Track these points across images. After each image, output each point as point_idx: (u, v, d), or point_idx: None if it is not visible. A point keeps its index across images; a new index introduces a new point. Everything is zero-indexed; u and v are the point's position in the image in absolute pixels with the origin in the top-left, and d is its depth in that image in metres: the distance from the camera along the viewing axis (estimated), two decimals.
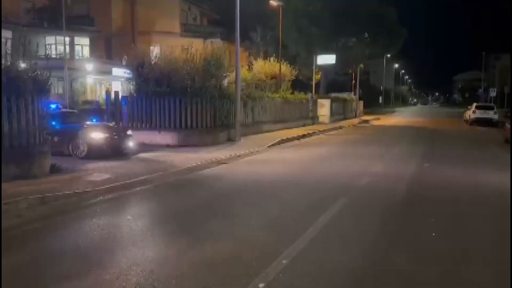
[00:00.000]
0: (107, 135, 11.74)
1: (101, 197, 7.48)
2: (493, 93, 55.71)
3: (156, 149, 13.34)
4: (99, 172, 9.37)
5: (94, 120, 14.69)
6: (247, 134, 17.79)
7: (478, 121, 29.44)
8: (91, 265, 4.43)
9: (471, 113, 30.65)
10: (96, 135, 11.54)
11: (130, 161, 11.15)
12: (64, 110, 12.73)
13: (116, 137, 12.02)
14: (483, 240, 5.45)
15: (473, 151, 14.91)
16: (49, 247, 5.07)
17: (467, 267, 4.54)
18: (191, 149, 13.66)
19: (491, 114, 29.91)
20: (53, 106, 12.25)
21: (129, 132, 12.75)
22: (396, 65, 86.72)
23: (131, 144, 12.37)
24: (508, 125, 17.70)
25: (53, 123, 11.33)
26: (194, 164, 10.77)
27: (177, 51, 16.51)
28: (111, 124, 14.67)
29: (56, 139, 11.05)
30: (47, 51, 33.03)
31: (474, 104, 32.54)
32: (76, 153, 11.28)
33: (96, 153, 11.23)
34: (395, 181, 9.19)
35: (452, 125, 31.35)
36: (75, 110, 13.46)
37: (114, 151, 11.70)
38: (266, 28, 37.63)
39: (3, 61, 8.16)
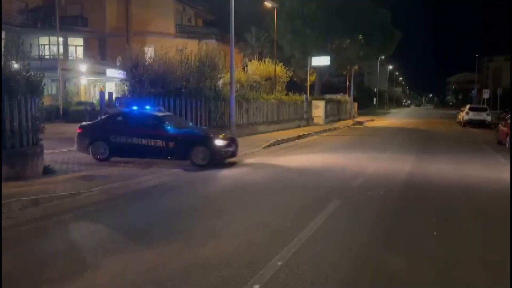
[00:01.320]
0: (226, 142, 11.44)
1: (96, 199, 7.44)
2: (486, 94, 56.12)
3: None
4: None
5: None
6: (242, 135, 17.76)
7: (471, 123, 29.68)
8: (81, 268, 4.39)
9: (465, 114, 30.88)
10: (219, 142, 11.22)
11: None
12: (166, 113, 12.58)
13: (232, 143, 11.74)
14: (478, 244, 5.48)
15: (465, 151, 14.99)
16: (40, 249, 5.02)
17: (462, 269, 4.56)
18: None
19: (484, 116, 30.16)
20: (147, 107, 12.22)
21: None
22: (390, 67, 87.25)
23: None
24: (502, 127, 17.79)
25: (168, 127, 11.15)
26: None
27: (172, 52, 16.50)
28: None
29: (171, 144, 10.91)
30: (40, 51, 32.82)
31: (468, 106, 32.80)
32: (195, 160, 10.85)
33: (217, 161, 11.03)
34: (388, 181, 9.21)
35: (445, 126, 31.55)
36: (169, 113, 13.26)
37: (228, 158, 11.54)
38: (261, 29, 37.67)
39: None
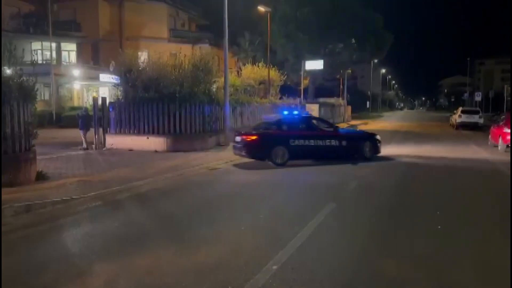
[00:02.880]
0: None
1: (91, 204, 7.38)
2: (478, 97, 56.63)
3: None
4: None
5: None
6: None
7: (464, 125, 29.91)
8: (73, 275, 4.35)
9: (457, 117, 31.11)
10: (378, 137, 13.36)
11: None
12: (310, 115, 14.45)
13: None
14: (472, 248, 5.50)
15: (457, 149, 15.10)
16: (33, 256, 4.97)
17: (454, 271, 4.57)
18: (180, 154, 13.59)
19: (477, 118, 30.43)
20: (285, 112, 13.66)
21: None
22: (383, 71, 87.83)
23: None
24: (494, 129, 17.91)
25: (339, 129, 13.06)
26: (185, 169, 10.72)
27: (165, 56, 16.49)
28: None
29: (344, 143, 12.35)
30: (33, 57, 32.65)
31: (460, 109, 33.05)
32: (365, 154, 12.62)
33: (378, 153, 13.05)
34: (382, 185, 9.25)
35: (438, 128, 31.75)
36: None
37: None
38: (254, 33, 37.78)
39: None
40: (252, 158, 12.06)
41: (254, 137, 11.87)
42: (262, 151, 11.74)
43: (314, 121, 13.49)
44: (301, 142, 11.86)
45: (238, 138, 12.17)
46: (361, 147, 12.66)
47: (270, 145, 11.69)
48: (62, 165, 11.10)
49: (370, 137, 13.26)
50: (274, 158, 11.62)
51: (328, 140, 12.25)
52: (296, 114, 13.49)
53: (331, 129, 12.90)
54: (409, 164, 12.45)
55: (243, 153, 12.00)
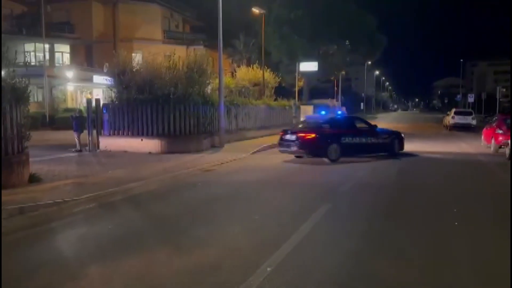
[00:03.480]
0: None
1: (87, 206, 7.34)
2: (471, 99, 57.11)
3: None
4: None
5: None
6: (230, 140, 17.76)
7: (457, 126, 30.15)
8: (66, 278, 4.31)
9: (450, 118, 31.35)
10: (403, 134, 15.26)
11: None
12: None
13: None
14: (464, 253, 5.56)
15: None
16: (26, 259, 4.93)
17: (446, 271, 4.60)
18: (174, 156, 13.56)
19: (470, 120, 30.71)
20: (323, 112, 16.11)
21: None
22: (377, 72, 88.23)
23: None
24: (486, 130, 18.06)
25: (377, 128, 14.51)
26: (177, 172, 10.69)
27: (160, 58, 16.45)
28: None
29: (385, 140, 14.14)
30: (26, 58, 32.45)
31: (453, 110, 33.31)
32: (396, 150, 14.24)
33: (402, 149, 14.80)
34: (379, 185, 9.29)
35: (432, 130, 31.93)
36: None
37: None
38: (249, 35, 37.83)
39: None
40: (309, 155, 13.11)
41: (312, 135, 12.89)
42: (320, 148, 12.85)
43: (357, 121, 14.99)
44: (349, 140, 13.13)
45: (290, 136, 13.14)
46: (392, 144, 14.23)
47: (327, 143, 12.81)
48: (55, 167, 11.02)
49: (398, 135, 14.89)
50: (329, 154, 12.77)
51: (369, 138, 13.64)
52: (341, 114, 15.55)
53: (370, 128, 14.21)
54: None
55: (296, 150, 13.01)
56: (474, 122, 30.47)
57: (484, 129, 18.87)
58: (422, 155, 15.00)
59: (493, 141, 16.13)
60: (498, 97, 36.23)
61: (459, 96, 75.21)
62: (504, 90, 53.70)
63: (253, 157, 14.52)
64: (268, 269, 4.45)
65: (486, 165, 13.18)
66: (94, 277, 4.34)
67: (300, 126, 14.83)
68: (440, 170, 12.07)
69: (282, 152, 13.48)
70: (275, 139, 20.23)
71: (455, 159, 14.61)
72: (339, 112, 15.41)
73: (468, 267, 4.65)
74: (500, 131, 15.55)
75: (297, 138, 12.78)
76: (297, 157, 13.55)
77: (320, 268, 4.53)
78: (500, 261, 4.71)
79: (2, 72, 8.55)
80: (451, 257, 4.92)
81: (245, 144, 17.51)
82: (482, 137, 18.78)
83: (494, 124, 16.89)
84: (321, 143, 12.73)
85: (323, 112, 15.10)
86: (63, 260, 4.87)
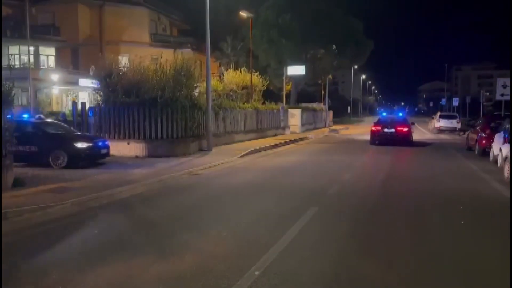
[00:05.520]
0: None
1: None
2: (455, 102, 58.02)
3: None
4: None
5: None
6: (218, 144, 17.72)
7: (442, 130, 30.61)
8: (50, 285, 4.24)
9: (436, 122, 31.80)
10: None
11: None
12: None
13: None
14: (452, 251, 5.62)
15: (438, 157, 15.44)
16: (9, 265, 4.83)
17: (434, 272, 4.65)
18: (161, 159, 13.46)
19: (455, 123, 31.22)
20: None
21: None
22: (363, 76, 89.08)
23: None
24: (471, 134, 18.32)
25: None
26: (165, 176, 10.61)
27: (147, 61, 16.34)
28: None
29: (407, 131, 20.49)
30: (10, 61, 31.95)
31: (438, 114, 33.81)
32: (412, 140, 21.16)
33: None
34: (364, 188, 9.35)
35: (417, 133, 32.27)
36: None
37: None
38: (237, 38, 37.84)
39: None
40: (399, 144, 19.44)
41: (406, 129, 20.14)
42: (407, 138, 20.22)
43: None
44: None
45: (391, 130, 20.08)
46: (411, 134, 20.56)
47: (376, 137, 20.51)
48: (40, 172, 10.84)
49: (413, 125, 20.50)
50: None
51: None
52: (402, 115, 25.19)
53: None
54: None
55: (391, 139, 19.80)
56: (459, 125, 31.02)
57: (469, 132, 19.17)
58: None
59: (477, 144, 16.37)
60: (482, 101, 36.87)
61: (444, 100, 76.34)
62: (488, 94, 54.62)
63: (241, 161, 14.50)
64: (256, 273, 4.43)
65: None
66: (79, 283, 4.26)
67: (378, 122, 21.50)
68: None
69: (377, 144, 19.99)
70: (264, 142, 20.37)
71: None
72: (400, 114, 24.10)
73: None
74: (483, 134, 15.77)
75: (396, 131, 19.87)
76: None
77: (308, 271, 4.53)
78: (484, 260, 4.77)
79: None
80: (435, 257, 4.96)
81: (233, 148, 17.49)
82: (466, 140, 19.08)
83: (478, 128, 17.15)
84: (408, 135, 20.49)
85: (384, 114, 26.23)
86: (47, 266, 4.76)
